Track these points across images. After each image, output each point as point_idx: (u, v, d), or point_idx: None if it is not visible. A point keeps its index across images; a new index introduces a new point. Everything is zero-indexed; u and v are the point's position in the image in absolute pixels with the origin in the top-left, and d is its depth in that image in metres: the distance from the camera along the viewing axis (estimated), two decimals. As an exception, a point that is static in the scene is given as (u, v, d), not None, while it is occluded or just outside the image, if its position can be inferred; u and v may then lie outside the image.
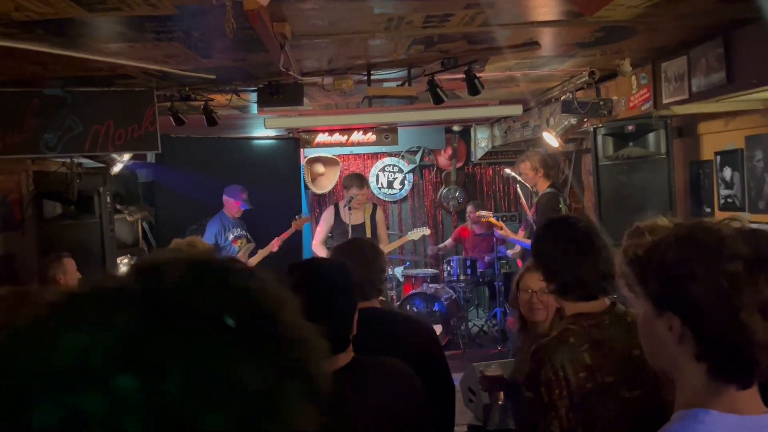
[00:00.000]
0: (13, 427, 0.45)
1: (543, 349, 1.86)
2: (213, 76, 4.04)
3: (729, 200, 4.55)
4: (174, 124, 4.75)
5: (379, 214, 6.27)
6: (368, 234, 6.08)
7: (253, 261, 6.07)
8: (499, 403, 2.78)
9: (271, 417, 0.49)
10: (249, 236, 6.27)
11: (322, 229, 6.24)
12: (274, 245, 6.08)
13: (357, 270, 2.22)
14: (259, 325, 0.52)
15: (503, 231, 5.78)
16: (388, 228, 7.37)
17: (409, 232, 6.37)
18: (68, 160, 4.84)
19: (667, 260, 1.08)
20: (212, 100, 4.70)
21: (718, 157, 4.64)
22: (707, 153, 4.81)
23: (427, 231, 6.49)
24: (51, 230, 4.82)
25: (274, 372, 0.50)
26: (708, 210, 4.82)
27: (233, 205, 6.08)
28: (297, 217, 6.21)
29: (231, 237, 6.13)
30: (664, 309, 1.08)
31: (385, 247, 6.04)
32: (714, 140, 4.73)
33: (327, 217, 6.37)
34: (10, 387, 0.46)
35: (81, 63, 3.51)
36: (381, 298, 2.65)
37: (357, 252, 2.51)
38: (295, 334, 0.54)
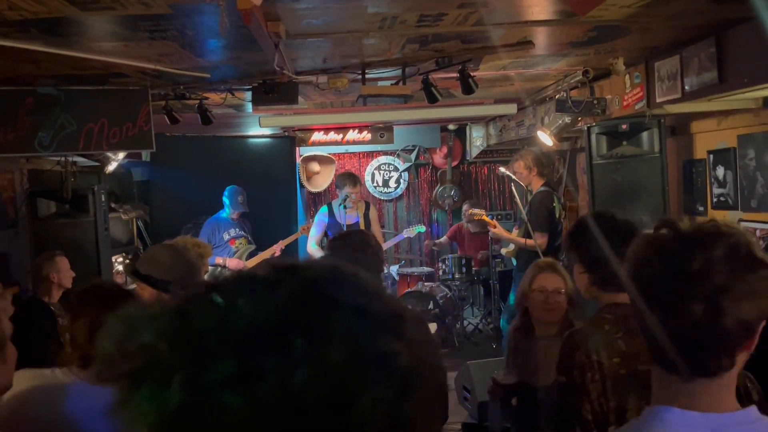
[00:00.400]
0: (199, 375, 0.51)
1: (577, 333, 1.88)
2: (208, 75, 4.04)
3: (722, 199, 4.57)
4: (169, 122, 4.75)
5: (373, 212, 6.27)
6: None
7: (252, 263, 6.07)
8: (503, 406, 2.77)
9: (411, 397, 0.54)
10: (250, 238, 6.28)
11: (317, 230, 6.24)
12: (276, 249, 6.12)
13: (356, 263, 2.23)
14: (397, 316, 0.59)
15: (497, 230, 5.79)
16: (383, 227, 7.39)
17: (405, 230, 6.38)
18: (62, 159, 4.83)
19: (630, 261, 1.11)
20: (207, 98, 4.70)
21: (711, 156, 4.66)
22: (700, 152, 4.84)
23: (422, 228, 6.50)
24: (45, 229, 4.82)
25: (415, 355, 0.56)
26: (701, 208, 4.85)
27: (229, 207, 6.12)
28: (304, 224, 6.31)
29: (227, 237, 6.13)
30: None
31: (394, 238, 6.08)
32: (707, 139, 4.76)
33: (321, 218, 6.37)
34: (194, 343, 0.52)
35: (75, 62, 3.51)
36: None
37: (360, 244, 2.50)
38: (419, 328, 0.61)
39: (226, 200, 6.15)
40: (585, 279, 2.03)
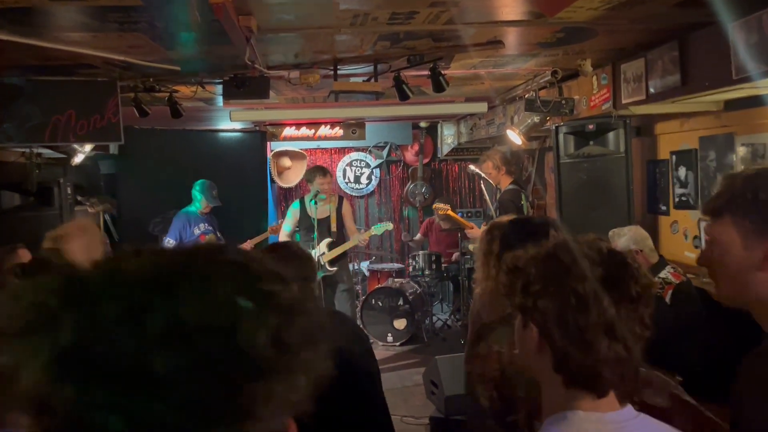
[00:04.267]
0: (88, 316, 0.55)
1: (484, 326, 1.98)
2: (178, 68, 4.01)
3: (683, 198, 4.70)
4: (138, 115, 4.70)
5: (346, 207, 6.29)
6: (333, 227, 6.10)
7: None
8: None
9: (291, 326, 0.60)
10: (218, 234, 6.21)
11: (288, 225, 6.23)
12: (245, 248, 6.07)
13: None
14: (278, 274, 0.64)
15: (473, 231, 5.85)
16: (354, 222, 7.40)
17: (373, 227, 6.39)
18: (27, 151, 4.74)
19: (530, 275, 1.14)
20: (177, 91, 4.66)
21: (674, 157, 4.78)
22: (663, 152, 4.96)
23: (390, 225, 6.52)
24: (9, 222, 4.72)
25: (293, 294, 0.63)
26: (664, 208, 4.97)
27: (202, 201, 6.05)
28: (274, 223, 6.24)
29: (198, 232, 6.05)
30: (527, 320, 1.15)
31: (351, 241, 6.08)
32: (670, 140, 4.88)
33: (293, 213, 6.35)
34: (83, 293, 0.56)
35: (41, 52, 3.45)
36: None
37: (288, 257, 2.46)
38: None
39: (197, 194, 6.06)
40: None
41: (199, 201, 6.06)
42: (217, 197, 6.09)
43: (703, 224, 3.56)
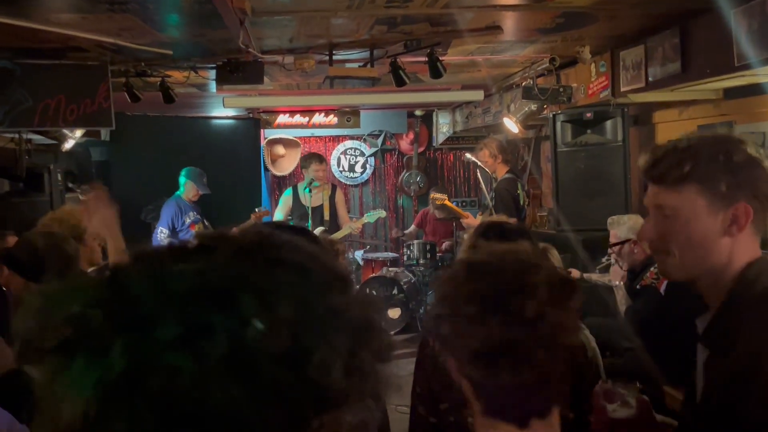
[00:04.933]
0: (141, 339, 0.47)
1: None
2: (170, 52, 3.94)
3: (681, 188, 4.66)
4: (129, 100, 4.62)
5: (339, 195, 6.24)
6: (327, 216, 6.05)
7: None
8: None
9: (363, 348, 0.54)
10: (205, 222, 6.13)
11: (279, 213, 6.18)
12: None
13: None
14: (339, 274, 0.58)
15: (468, 220, 5.83)
16: (348, 211, 7.35)
17: (366, 215, 6.34)
18: (16, 136, 4.66)
19: (435, 299, 1.06)
20: (169, 76, 4.58)
21: (672, 146, 4.74)
22: (661, 141, 4.91)
23: (383, 213, 6.48)
24: (-2, 207, 4.65)
25: (362, 310, 0.56)
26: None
27: (192, 188, 5.94)
28: (256, 209, 6.13)
29: (188, 221, 5.95)
30: (442, 347, 1.05)
31: (343, 230, 6.03)
32: (668, 129, 4.84)
33: (285, 200, 6.30)
34: (132, 308, 0.49)
35: (30, 34, 3.37)
36: None
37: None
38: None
39: (187, 180, 5.93)
40: None
41: (185, 186, 5.92)
42: (206, 184, 5.98)
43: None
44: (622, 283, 3.76)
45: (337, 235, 5.98)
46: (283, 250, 0.56)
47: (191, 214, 5.95)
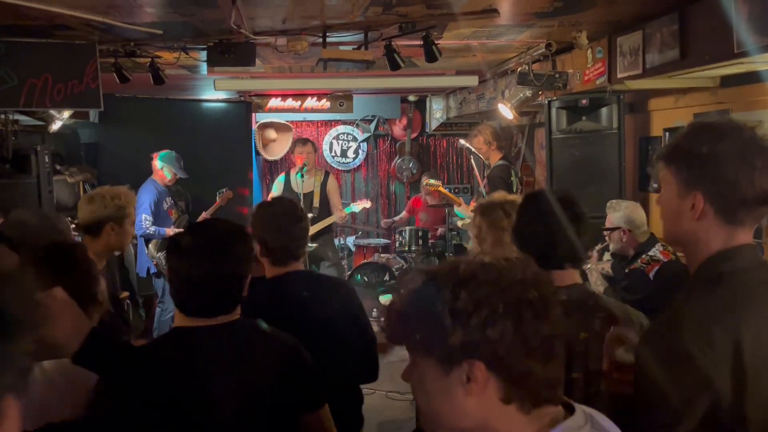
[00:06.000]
0: None
1: None
2: (160, 32, 3.85)
3: (675, 176, 4.64)
4: (118, 81, 4.53)
5: (332, 182, 6.19)
6: (316, 203, 6.00)
7: None
8: None
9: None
10: (183, 208, 6.02)
11: (272, 197, 6.12)
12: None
13: (278, 232, 2.40)
14: None
15: (461, 208, 5.81)
16: (341, 197, 7.30)
17: (352, 204, 6.28)
18: (2, 116, 4.57)
19: (462, 304, 0.97)
20: (159, 57, 4.49)
21: (667, 134, 4.72)
22: (656, 129, 4.89)
23: (367, 204, 6.43)
24: (-17, 189, 4.56)
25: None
26: (656, 185, 4.92)
27: (169, 172, 5.80)
28: (221, 191, 6.06)
29: (166, 207, 5.82)
30: (460, 360, 0.98)
31: (329, 218, 5.99)
32: (663, 117, 4.81)
33: (278, 186, 6.26)
34: None
35: (14, 10, 3.27)
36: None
37: (286, 211, 2.52)
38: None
39: (165, 164, 5.79)
40: None
41: (161, 170, 5.80)
42: (183, 168, 5.85)
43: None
44: (595, 265, 3.83)
45: (324, 223, 5.94)
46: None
47: (168, 199, 5.83)
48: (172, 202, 5.87)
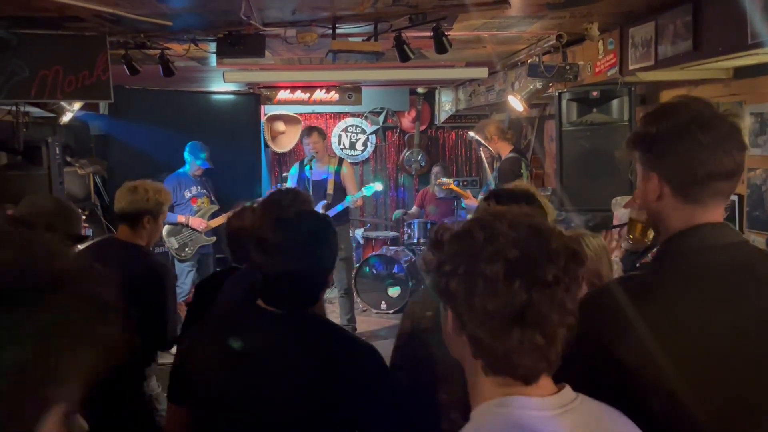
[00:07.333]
0: None
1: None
2: (170, 23, 3.85)
3: (687, 169, 4.61)
4: (128, 73, 4.54)
5: (347, 168, 6.15)
6: (330, 189, 5.99)
7: (215, 223, 5.94)
8: None
9: None
10: (213, 197, 6.16)
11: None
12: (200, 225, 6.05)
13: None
14: None
15: (469, 201, 5.81)
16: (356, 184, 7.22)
17: (363, 188, 6.24)
18: (13, 108, 4.59)
19: (443, 253, 1.06)
20: (169, 49, 4.50)
21: (679, 126, 4.68)
22: (668, 121, 4.85)
23: (379, 186, 6.41)
24: (-5, 180, 4.59)
25: None
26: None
27: (193, 163, 6.02)
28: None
29: (189, 195, 6.02)
30: (444, 302, 1.07)
31: (343, 203, 5.96)
32: (675, 109, 4.77)
33: (292, 177, 6.30)
34: None
35: (25, 2, 3.29)
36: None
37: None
38: None
39: (188, 156, 6.02)
40: None
41: (190, 163, 6.01)
42: (209, 159, 6.03)
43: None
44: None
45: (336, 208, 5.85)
46: None
47: (193, 188, 6.03)
48: (202, 191, 6.02)
